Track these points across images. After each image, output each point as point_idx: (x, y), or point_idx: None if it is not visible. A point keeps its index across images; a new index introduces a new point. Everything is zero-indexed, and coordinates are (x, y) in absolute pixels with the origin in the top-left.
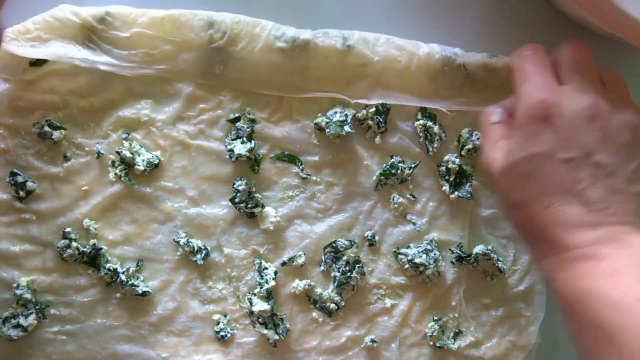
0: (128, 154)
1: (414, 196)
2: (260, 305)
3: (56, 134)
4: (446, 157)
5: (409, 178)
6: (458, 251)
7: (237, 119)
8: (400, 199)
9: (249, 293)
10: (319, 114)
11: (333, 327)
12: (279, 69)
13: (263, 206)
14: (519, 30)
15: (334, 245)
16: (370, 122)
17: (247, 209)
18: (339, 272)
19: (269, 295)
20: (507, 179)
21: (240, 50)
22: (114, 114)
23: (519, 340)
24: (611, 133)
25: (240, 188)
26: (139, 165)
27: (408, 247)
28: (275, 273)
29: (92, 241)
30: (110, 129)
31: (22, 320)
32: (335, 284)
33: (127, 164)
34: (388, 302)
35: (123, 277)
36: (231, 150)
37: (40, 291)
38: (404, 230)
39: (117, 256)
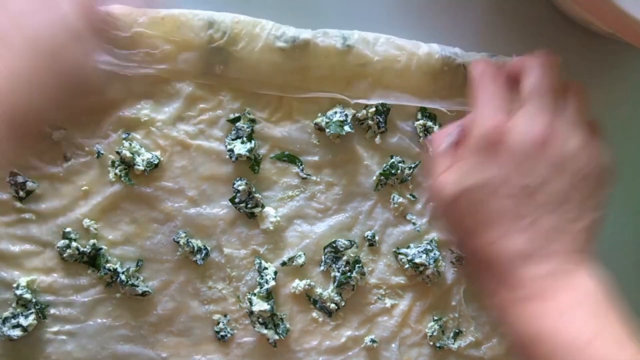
0: (128, 154)
1: (414, 196)
2: (260, 305)
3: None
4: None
5: (409, 178)
6: (458, 251)
7: (237, 119)
8: (400, 199)
9: (249, 293)
10: (319, 114)
11: (333, 327)
12: (279, 68)
13: (263, 206)
14: (519, 30)
15: (334, 245)
16: (370, 122)
17: (247, 209)
18: (339, 272)
19: (269, 295)
20: (459, 206)
21: (240, 50)
22: (114, 114)
23: None
24: (560, 164)
25: (240, 188)
26: (139, 165)
27: (408, 247)
28: (275, 273)
29: (92, 241)
30: (110, 129)
31: (22, 320)
32: (335, 284)
33: (127, 164)
34: (388, 302)
35: (123, 277)
36: (231, 150)
37: (40, 291)
38: (404, 230)
39: (117, 256)
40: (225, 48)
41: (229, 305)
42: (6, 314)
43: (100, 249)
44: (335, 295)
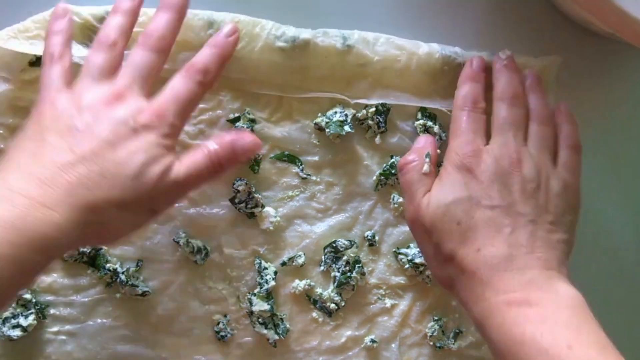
0: None
1: None
2: (260, 306)
3: None
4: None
5: None
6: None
7: (237, 119)
8: (400, 199)
9: (249, 293)
10: (319, 114)
11: (333, 327)
12: (279, 68)
13: (263, 206)
14: (519, 30)
15: (334, 245)
16: (370, 122)
17: (247, 209)
18: (339, 272)
19: (268, 296)
20: (440, 225)
21: (241, 49)
22: None
23: None
24: (526, 188)
25: (240, 188)
26: None
27: (408, 247)
28: (275, 273)
29: None
30: None
31: (22, 320)
32: (335, 284)
33: None
34: (388, 302)
35: (123, 277)
36: None
37: (40, 291)
38: (404, 230)
39: (117, 256)
40: None
41: (229, 306)
42: (6, 314)
43: (100, 249)
44: (335, 295)
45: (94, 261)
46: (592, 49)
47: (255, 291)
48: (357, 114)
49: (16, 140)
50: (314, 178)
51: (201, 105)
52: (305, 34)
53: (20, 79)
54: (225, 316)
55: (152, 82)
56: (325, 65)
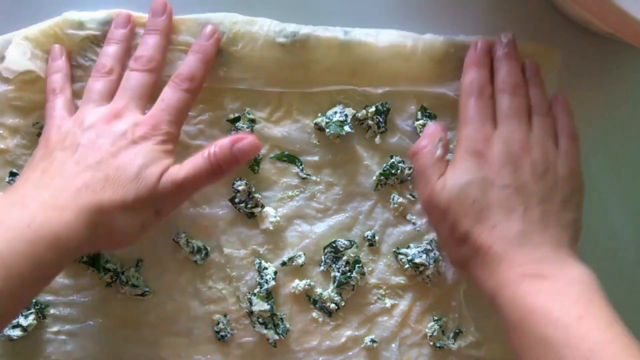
0: None
1: (414, 196)
2: (260, 305)
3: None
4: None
5: (409, 178)
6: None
7: (237, 119)
8: (400, 199)
9: (249, 293)
10: (319, 114)
11: (333, 327)
12: (282, 64)
13: (263, 206)
14: (519, 30)
15: (334, 245)
16: (370, 122)
17: (247, 209)
18: (339, 272)
19: (268, 295)
20: (456, 206)
21: (241, 49)
22: None
23: None
24: (536, 170)
25: (239, 188)
26: None
27: (408, 247)
28: (275, 273)
29: None
30: None
31: (22, 320)
32: (335, 284)
33: None
34: (388, 302)
35: (123, 277)
36: None
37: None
38: (404, 230)
39: (117, 256)
40: (225, 49)
41: (229, 305)
42: None
43: None
44: (335, 295)
45: (94, 261)
46: (592, 49)
47: (255, 291)
48: (357, 114)
49: (27, 164)
50: (314, 178)
51: (201, 105)
52: (305, 29)
53: (20, 79)
54: (225, 316)
55: (148, 98)
56: (329, 56)
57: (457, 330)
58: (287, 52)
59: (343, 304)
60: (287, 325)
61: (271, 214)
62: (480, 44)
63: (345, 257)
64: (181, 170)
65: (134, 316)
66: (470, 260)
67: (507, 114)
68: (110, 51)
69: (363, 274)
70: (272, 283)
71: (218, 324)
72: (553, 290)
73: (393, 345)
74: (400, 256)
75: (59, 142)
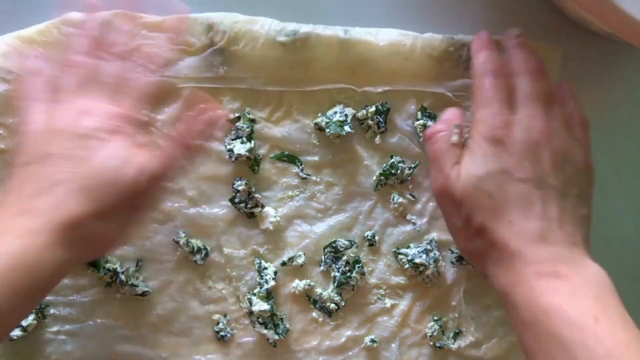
0: None
1: (414, 196)
2: (260, 305)
3: None
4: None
5: (409, 178)
6: (458, 251)
7: (237, 119)
8: (400, 199)
9: (249, 293)
10: (319, 114)
11: (333, 327)
12: (282, 63)
13: (263, 206)
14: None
15: (334, 245)
16: (370, 122)
17: (247, 209)
18: (339, 272)
19: (268, 295)
20: (471, 198)
21: (242, 48)
22: None
23: None
24: (556, 161)
25: (239, 188)
26: None
27: (408, 247)
28: (275, 273)
29: None
30: None
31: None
32: (335, 284)
33: None
34: (388, 302)
35: (123, 277)
36: (231, 150)
37: None
38: (404, 230)
39: (117, 256)
40: (226, 49)
41: (229, 305)
42: None
43: None
44: (335, 295)
45: (94, 261)
46: (592, 49)
47: (255, 291)
48: (357, 114)
49: (7, 182)
50: (314, 178)
51: (200, 105)
52: (306, 27)
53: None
54: (225, 316)
55: (121, 89)
56: (330, 55)
57: (457, 330)
58: (287, 50)
59: (343, 304)
60: (287, 325)
61: (271, 214)
62: (484, 34)
63: (345, 257)
64: (156, 162)
65: (133, 316)
66: (482, 254)
67: (528, 97)
68: (77, 45)
69: (363, 274)
70: (272, 283)
71: (218, 324)
72: (569, 290)
73: (393, 345)
74: (400, 256)
75: (31, 156)
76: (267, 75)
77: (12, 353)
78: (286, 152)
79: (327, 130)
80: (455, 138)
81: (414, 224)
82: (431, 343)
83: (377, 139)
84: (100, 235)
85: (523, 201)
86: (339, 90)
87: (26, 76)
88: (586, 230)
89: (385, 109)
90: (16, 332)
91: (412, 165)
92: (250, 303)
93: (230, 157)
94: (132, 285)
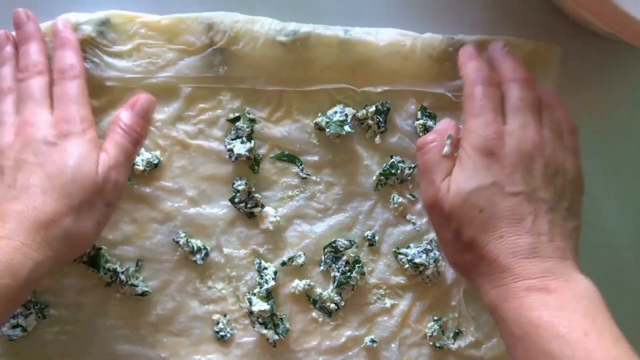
0: None
1: (414, 196)
2: (260, 305)
3: None
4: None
5: (409, 178)
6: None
7: (237, 119)
8: (400, 199)
9: (249, 293)
10: (319, 114)
11: (333, 327)
12: (282, 63)
13: (263, 206)
14: (519, 30)
15: (334, 245)
16: (370, 121)
17: (247, 209)
18: (338, 272)
19: (268, 295)
20: (461, 212)
21: (242, 48)
22: (113, 113)
23: None
24: (547, 173)
25: (239, 188)
26: (138, 165)
27: (408, 247)
28: (275, 273)
29: None
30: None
31: (22, 320)
32: (335, 284)
33: None
34: (388, 302)
35: (123, 277)
36: (231, 150)
37: (40, 291)
38: (404, 230)
39: (116, 256)
40: (226, 48)
41: (229, 305)
42: None
43: (100, 248)
44: (335, 295)
45: (94, 261)
46: (592, 49)
47: (255, 291)
48: (357, 114)
49: None
50: (313, 178)
51: (201, 105)
52: (306, 27)
53: None
54: (225, 316)
55: (49, 99)
56: (329, 55)
57: (457, 330)
58: (287, 50)
59: (343, 304)
60: (287, 325)
61: (271, 213)
62: (469, 46)
63: (345, 257)
64: (109, 154)
65: (133, 316)
66: (472, 268)
67: (519, 106)
68: (2, 72)
69: (363, 274)
70: (272, 283)
71: (218, 323)
72: (559, 305)
73: (393, 345)
74: (400, 256)
75: None
76: (267, 75)
77: (12, 353)
78: (286, 152)
79: (327, 130)
80: (446, 149)
81: (413, 223)
82: (431, 343)
83: (377, 139)
84: (75, 233)
85: (514, 216)
86: (339, 90)
87: None
88: (575, 242)
89: (385, 108)
90: (16, 332)
91: (412, 165)
92: (250, 303)
93: (230, 157)
94: (132, 285)
